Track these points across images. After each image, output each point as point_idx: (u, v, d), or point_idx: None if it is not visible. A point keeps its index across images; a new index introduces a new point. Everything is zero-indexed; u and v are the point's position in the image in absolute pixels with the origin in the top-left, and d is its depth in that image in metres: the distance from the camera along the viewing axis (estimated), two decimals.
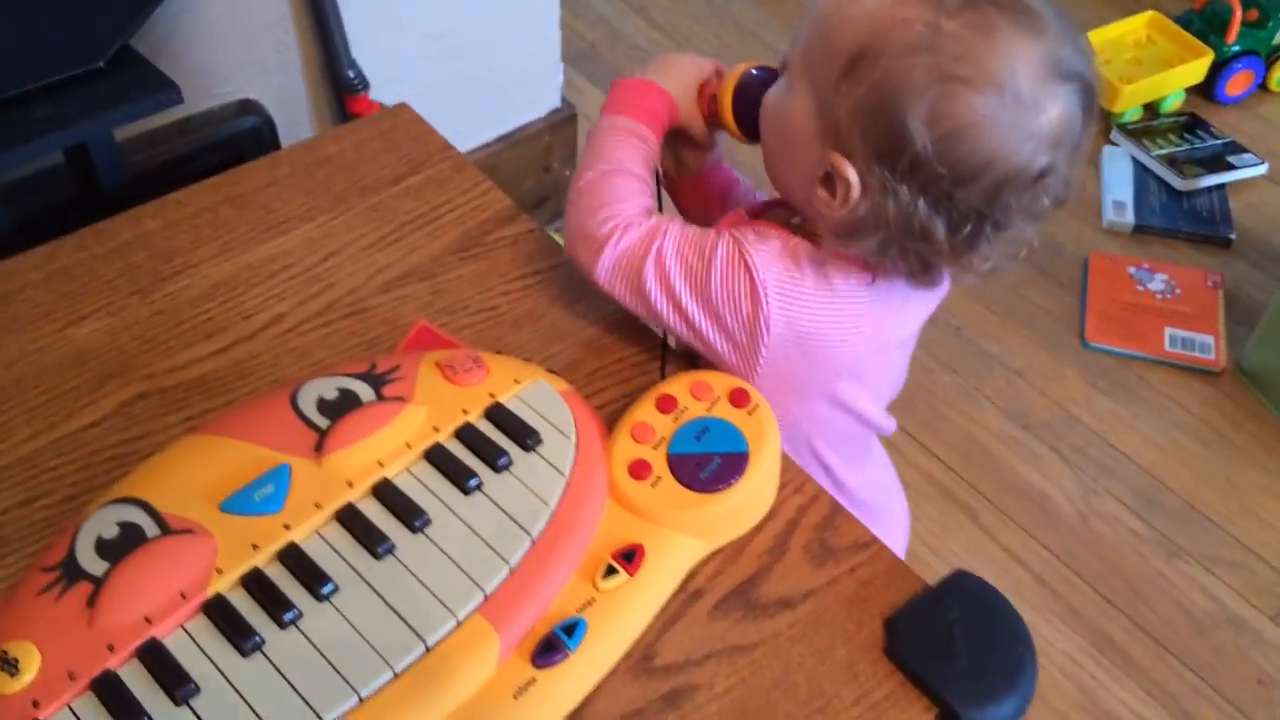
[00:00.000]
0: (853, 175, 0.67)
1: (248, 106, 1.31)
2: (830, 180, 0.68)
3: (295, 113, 1.38)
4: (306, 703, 0.55)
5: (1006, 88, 0.63)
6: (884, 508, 0.88)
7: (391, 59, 1.40)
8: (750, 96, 0.76)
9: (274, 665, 0.56)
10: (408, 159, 0.93)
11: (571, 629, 0.59)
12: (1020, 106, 0.63)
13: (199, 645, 0.57)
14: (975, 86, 0.63)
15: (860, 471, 0.84)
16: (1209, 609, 1.38)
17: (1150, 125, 1.99)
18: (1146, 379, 1.63)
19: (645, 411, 0.68)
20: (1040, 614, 1.37)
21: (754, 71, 0.77)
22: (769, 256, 0.70)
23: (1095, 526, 1.46)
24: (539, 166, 1.74)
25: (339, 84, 1.34)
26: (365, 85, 1.35)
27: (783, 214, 0.78)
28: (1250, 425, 1.58)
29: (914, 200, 0.65)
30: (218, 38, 1.26)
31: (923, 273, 0.71)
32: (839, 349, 0.73)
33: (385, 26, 1.38)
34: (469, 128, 1.65)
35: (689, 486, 0.65)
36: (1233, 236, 1.82)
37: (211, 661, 0.56)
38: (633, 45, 2.14)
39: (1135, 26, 2.08)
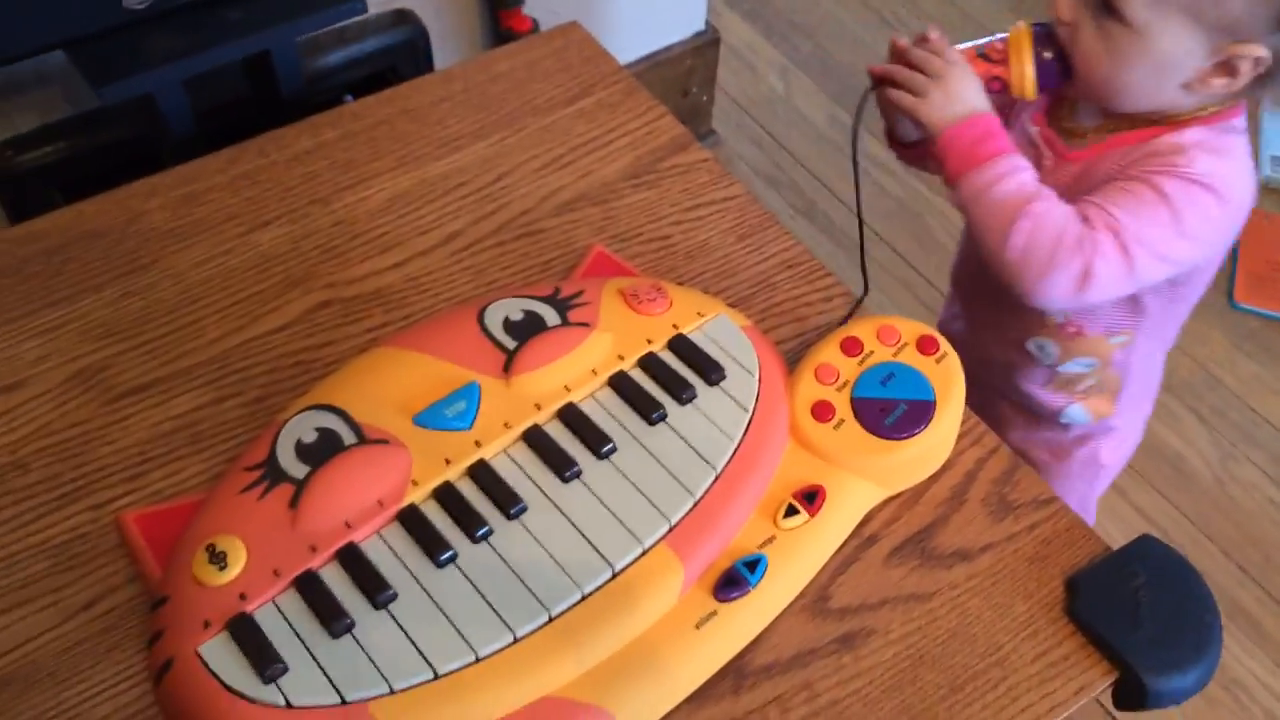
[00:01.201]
0: (1263, 50, 0.75)
1: (403, 17, 1.30)
2: (1228, 67, 0.76)
3: (447, 25, 1.38)
4: (500, 616, 0.56)
5: None
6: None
7: None
8: (1050, 50, 0.81)
9: (467, 578, 0.58)
10: (580, 80, 0.92)
11: (753, 565, 0.60)
12: None
13: (395, 553, 0.59)
14: None
15: None
16: None
17: None
18: None
19: (829, 353, 0.68)
20: None
21: (1037, 27, 0.81)
22: (1201, 163, 0.78)
23: (1232, 492, 1.42)
24: (678, 90, 1.71)
25: None
26: None
27: (1066, 111, 0.87)
28: None
29: None
30: None
31: None
32: (1247, 199, 0.82)
33: None
34: (612, 47, 1.63)
35: (873, 431, 0.64)
36: None
37: (408, 569, 0.58)
38: None
39: None
